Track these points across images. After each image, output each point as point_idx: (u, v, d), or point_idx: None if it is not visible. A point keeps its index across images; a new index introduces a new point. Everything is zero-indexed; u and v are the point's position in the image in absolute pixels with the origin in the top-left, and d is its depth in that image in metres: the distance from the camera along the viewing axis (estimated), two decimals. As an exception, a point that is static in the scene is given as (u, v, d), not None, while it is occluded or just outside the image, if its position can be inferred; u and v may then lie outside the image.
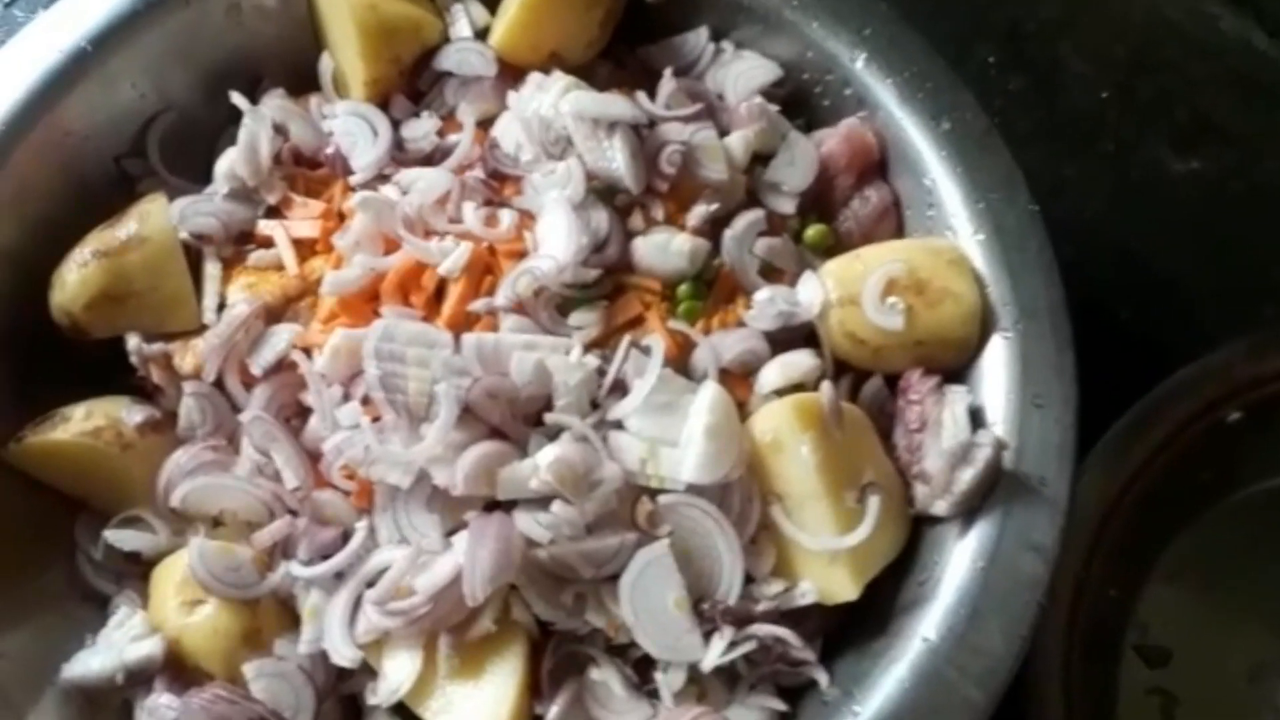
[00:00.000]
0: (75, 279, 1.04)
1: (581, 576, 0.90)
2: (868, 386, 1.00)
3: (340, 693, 0.97)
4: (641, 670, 0.94)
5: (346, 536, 0.96)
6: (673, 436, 0.92)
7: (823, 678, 0.93)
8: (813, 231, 1.07)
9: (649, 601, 0.89)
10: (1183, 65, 1.43)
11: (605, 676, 0.92)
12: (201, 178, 1.13)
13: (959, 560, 0.91)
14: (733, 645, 0.91)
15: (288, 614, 0.97)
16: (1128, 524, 1.04)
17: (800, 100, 1.13)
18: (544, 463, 0.88)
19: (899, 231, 1.08)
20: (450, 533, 0.93)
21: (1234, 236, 1.35)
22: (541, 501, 0.91)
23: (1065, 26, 1.44)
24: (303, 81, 1.16)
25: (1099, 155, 1.39)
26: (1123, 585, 1.07)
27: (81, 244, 1.05)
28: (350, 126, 1.09)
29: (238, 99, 1.10)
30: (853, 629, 0.94)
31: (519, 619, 0.92)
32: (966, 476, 0.90)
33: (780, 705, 0.94)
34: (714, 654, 0.90)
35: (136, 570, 1.03)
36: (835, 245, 1.07)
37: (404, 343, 0.95)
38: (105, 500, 1.03)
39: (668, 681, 0.92)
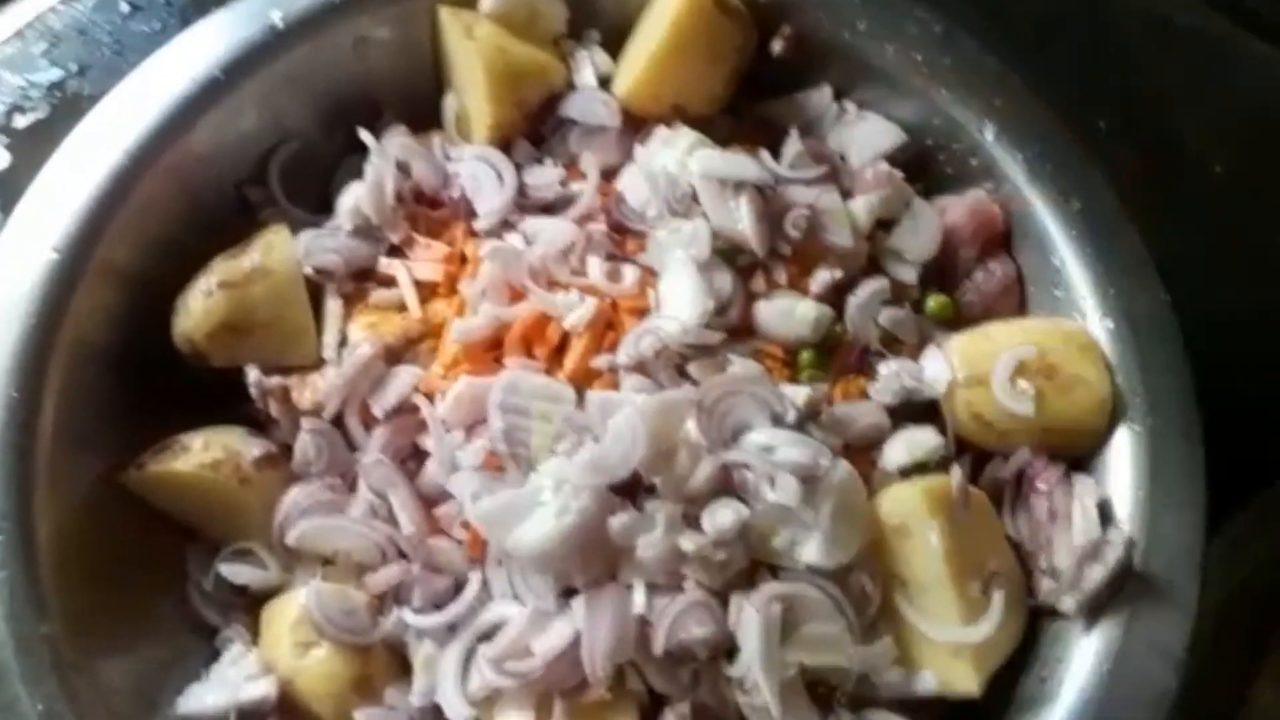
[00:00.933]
0: (200, 307, 1.04)
1: (699, 656, 0.90)
2: (990, 469, 0.99)
3: (447, 745, 0.97)
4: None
5: (459, 586, 0.97)
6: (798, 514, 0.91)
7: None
8: (935, 302, 1.06)
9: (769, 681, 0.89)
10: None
11: (718, 752, 0.91)
12: (317, 207, 1.14)
13: (1082, 660, 0.90)
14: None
15: (398, 662, 0.98)
16: (1242, 621, 1.03)
17: (922, 165, 1.12)
18: (693, 546, 0.88)
19: (1021, 308, 1.08)
20: (564, 593, 0.93)
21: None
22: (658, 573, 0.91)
23: (1182, 97, 1.42)
24: (419, 117, 1.17)
25: (1214, 231, 1.36)
26: (1233, 681, 1.06)
27: (207, 272, 1.06)
28: (476, 171, 1.09)
29: (365, 136, 1.10)
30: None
31: (633, 688, 0.92)
32: (1097, 574, 0.90)
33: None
34: None
35: (243, 603, 1.04)
36: (956, 318, 1.06)
37: (528, 396, 0.96)
38: (218, 531, 1.04)
39: (783, 761, 0.91)
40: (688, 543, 0.89)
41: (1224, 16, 1.44)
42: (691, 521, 0.92)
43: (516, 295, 1.03)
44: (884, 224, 1.08)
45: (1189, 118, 1.42)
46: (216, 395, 1.08)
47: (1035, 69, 1.38)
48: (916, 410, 1.01)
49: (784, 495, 0.89)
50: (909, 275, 1.07)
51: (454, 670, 0.94)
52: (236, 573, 1.02)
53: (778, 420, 0.95)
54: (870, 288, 1.03)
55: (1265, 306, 1.32)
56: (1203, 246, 1.35)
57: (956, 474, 0.93)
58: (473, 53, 1.10)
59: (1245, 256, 1.35)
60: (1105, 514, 0.94)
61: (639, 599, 0.90)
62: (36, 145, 1.32)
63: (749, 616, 0.89)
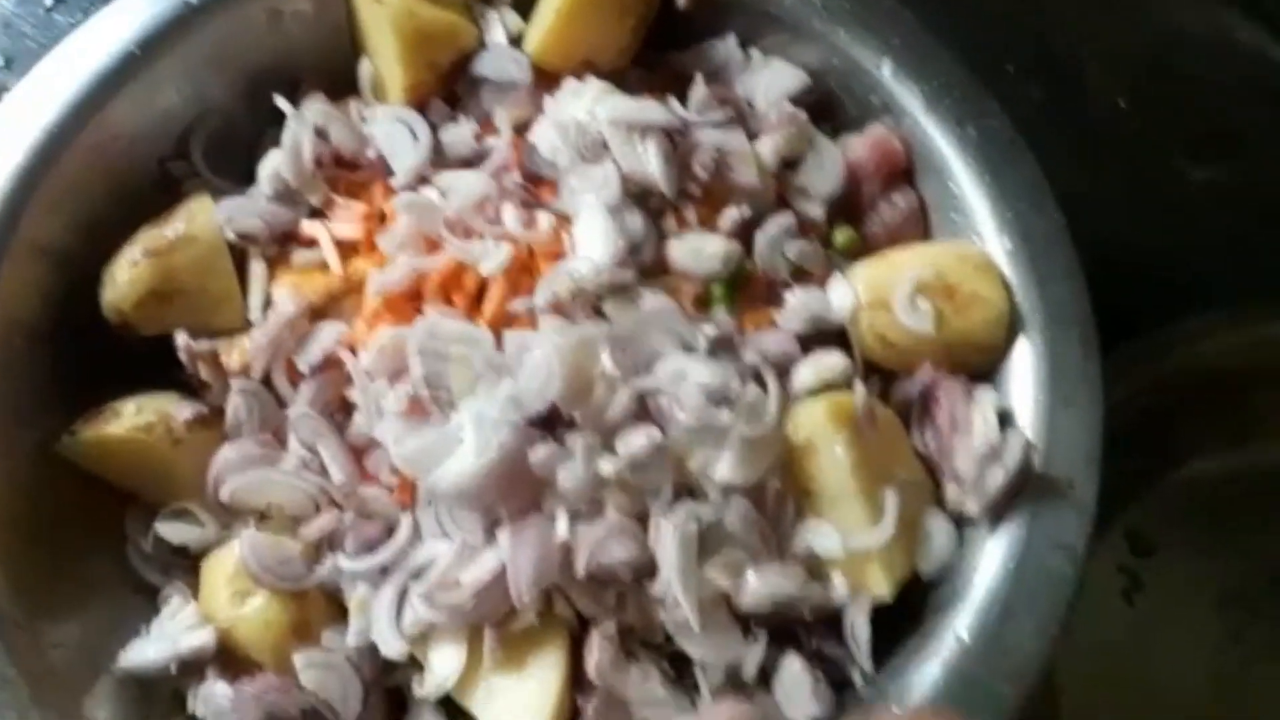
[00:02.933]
0: (126, 278, 1.06)
1: (622, 579, 0.93)
2: (897, 388, 1.03)
3: (385, 684, 0.99)
4: (678, 666, 0.97)
5: (391, 530, 0.99)
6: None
7: (858, 676, 0.95)
8: (841, 236, 1.09)
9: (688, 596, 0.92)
10: (1200, 74, 1.45)
11: (644, 672, 0.94)
12: (241, 179, 1.15)
13: (990, 560, 0.94)
14: (773, 645, 0.94)
15: (335, 606, 1.00)
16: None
17: (827, 107, 1.16)
18: (611, 470, 0.91)
19: (925, 236, 1.11)
20: (490, 526, 0.96)
21: (1253, 244, 1.37)
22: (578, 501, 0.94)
23: (1086, 35, 1.46)
24: (340, 86, 1.19)
25: (1118, 164, 1.41)
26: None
27: (131, 243, 1.08)
28: (391, 131, 1.11)
29: (281, 103, 1.13)
30: (887, 630, 0.97)
31: (561, 613, 0.95)
32: (997, 476, 0.93)
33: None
34: (754, 657, 0.93)
35: (184, 563, 1.06)
36: (862, 249, 1.10)
37: (447, 340, 0.98)
38: (155, 493, 1.06)
39: (706, 678, 0.95)
40: (605, 466, 0.92)
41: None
42: (610, 451, 0.95)
43: (433, 247, 1.05)
44: (790, 163, 1.11)
45: (1094, 55, 1.47)
46: (149, 364, 1.10)
47: (946, 14, 1.43)
48: (826, 338, 1.04)
49: (694, 416, 0.93)
50: (816, 211, 1.10)
51: (388, 609, 0.96)
52: (174, 532, 1.04)
53: (690, 350, 0.98)
54: (777, 223, 1.06)
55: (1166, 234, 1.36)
56: (1109, 176, 1.40)
57: (859, 389, 0.96)
58: (382, 18, 1.12)
59: (1145, 183, 1.39)
60: (1006, 421, 0.98)
61: (561, 526, 0.93)
62: (-35, 137, 1.34)
63: (666, 533, 0.92)
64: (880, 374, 1.05)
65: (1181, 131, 1.43)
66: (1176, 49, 1.47)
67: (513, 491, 0.94)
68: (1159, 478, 1.23)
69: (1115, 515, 1.22)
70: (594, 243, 1.02)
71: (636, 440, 0.93)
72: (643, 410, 0.96)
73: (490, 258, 1.02)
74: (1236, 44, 1.47)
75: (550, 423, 0.96)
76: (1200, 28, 1.48)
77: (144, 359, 1.10)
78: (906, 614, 0.97)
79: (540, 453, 0.93)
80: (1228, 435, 1.24)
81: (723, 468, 0.93)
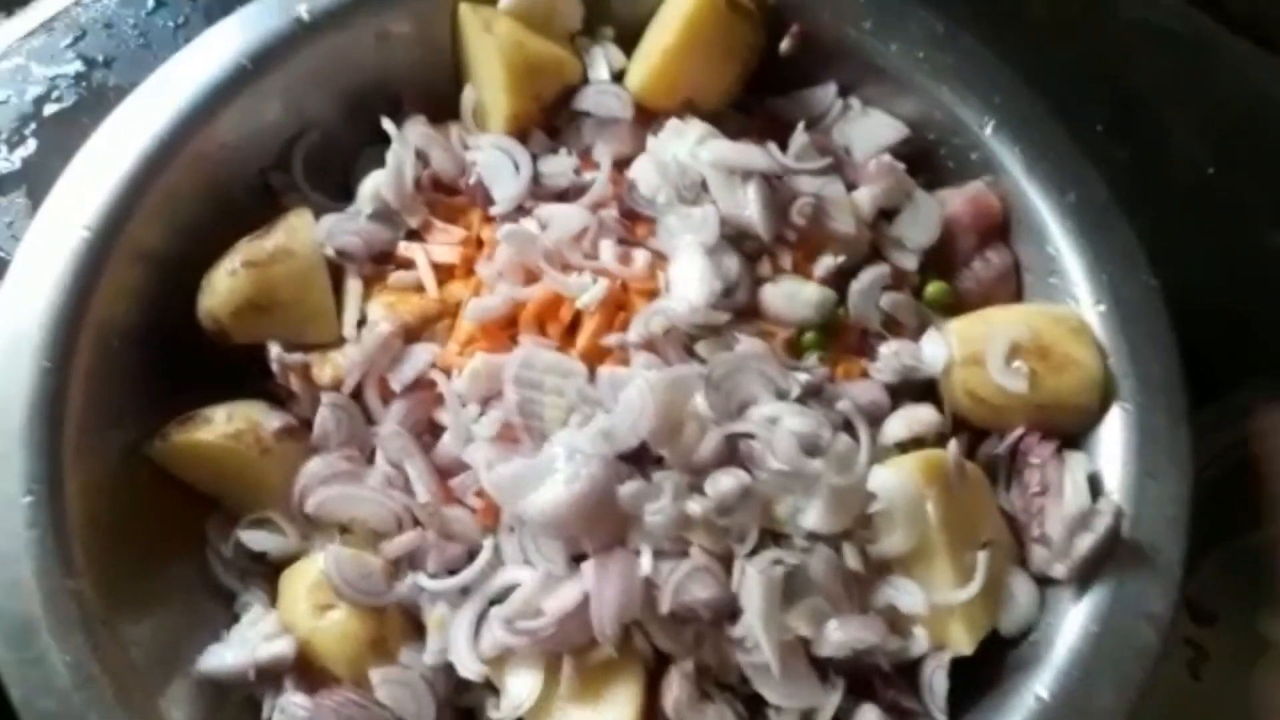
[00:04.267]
0: (225, 286, 1.08)
1: (701, 618, 0.93)
2: (985, 445, 1.03)
3: (458, 705, 1.00)
4: (752, 709, 0.97)
5: (472, 554, 1.00)
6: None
7: (936, 728, 0.96)
8: (934, 288, 1.10)
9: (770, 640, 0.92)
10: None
11: (720, 713, 0.95)
12: (338, 194, 1.18)
13: (1073, 623, 0.94)
14: (849, 693, 0.94)
15: (412, 624, 1.01)
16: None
17: (924, 159, 1.17)
18: (698, 510, 0.92)
19: (1018, 295, 1.11)
20: (574, 558, 0.97)
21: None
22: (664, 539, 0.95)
23: (1174, 98, 1.47)
24: (437, 109, 1.21)
25: (1203, 226, 1.41)
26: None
27: (232, 253, 1.10)
28: (493, 159, 1.13)
29: (388, 125, 1.14)
30: (966, 685, 0.97)
31: (639, 648, 0.95)
32: (1086, 542, 0.94)
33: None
34: (830, 705, 0.94)
35: (262, 570, 1.08)
36: (955, 304, 1.10)
37: (542, 370, 1.00)
38: (239, 500, 1.08)
39: (781, 720, 0.95)
40: (693, 506, 0.93)
41: (1206, 16, 1.49)
42: (698, 491, 0.95)
43: (531, 277, 1.06)
44: (887, 214, 1.12)
45: (1181, 118, 1.47)
46: (240, 373, 1.12)
47: (1034, 72, 1.44)
48: (916, 390, 1.05)
49: (787, 462, 0.93)
50: (909, 262, 1.11)
51: (466, 630, 0.97)
52: (256, 540, 1.06)
53: (783, 396, 0.98)
54: (872, 273, 1.07)
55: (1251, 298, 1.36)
56: (1187, 239, 1.40)
57: (952, 446, 0.97)
58: (491, 47, 1.14)
59: (1232, 247, 1.39)
60: (1095, 486, 0.98)
61: (646, 562, 0.93)
62: (62, 134, 1.37)
63: (751, 578, 0.92)
64: (969, 430, 1.05)
65: (1267, 197, 1.43)
66: (1265, 114, 1.47)
67: (599, 524, 0.95)
68: (1216, 546, 1.22)
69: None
70: (690, 283, 1.03)
71: (725, 482, 0.94)
72: (731, 453, 0.97)
73: (588, 292, 1.03)
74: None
75: (640, 459, 0.97)
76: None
77: (228, 367, 1.12)
78: (983, 672, 0.97)
79: (629, 488, 0.94)
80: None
81: (810, 516, 0.94)
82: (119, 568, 1.03)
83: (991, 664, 0.97)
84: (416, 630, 1.01)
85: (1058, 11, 1.52)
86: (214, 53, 1.14)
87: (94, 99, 1.41)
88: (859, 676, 0.97)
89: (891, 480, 0.95)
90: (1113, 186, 1.37)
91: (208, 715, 1.01)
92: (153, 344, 1.12)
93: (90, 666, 0.94)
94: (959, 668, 0.96)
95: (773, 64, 1.19)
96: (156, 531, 1.08)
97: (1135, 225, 1.33)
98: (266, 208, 1.17)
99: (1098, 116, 1.46)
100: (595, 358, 1.03)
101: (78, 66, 1.45)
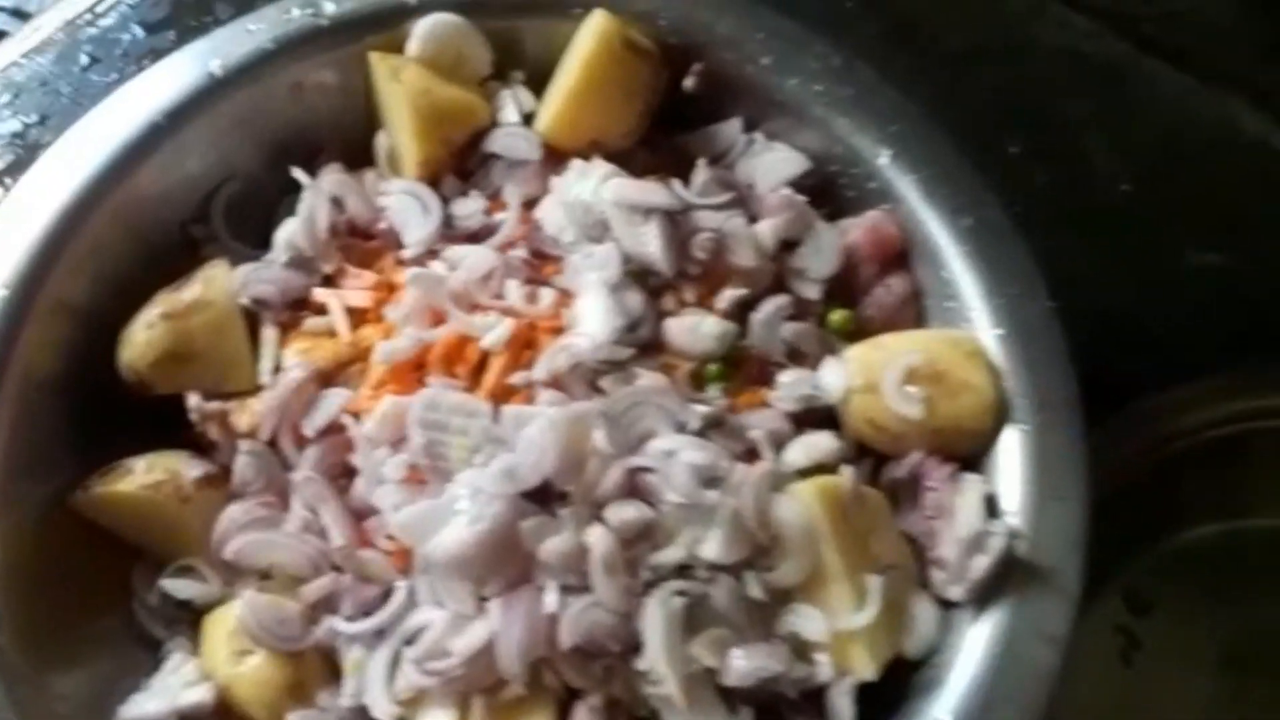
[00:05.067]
0: (143, 339, 1.10)
1: (610, 651, 0.95)
2: (887, 470, 1.05)
3: (376, 746, 1.01)
4: (663, 739, 0.98)
5: (388, 594, 1.02)
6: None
7: (840, 754, 0.97)
8: (837, 316, 1.12)
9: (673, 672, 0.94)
10: (1205, 162, 1.48)
11: (630, 743, 0.96)
12: (261, 243, 1.19)
13: (973, 646, 0.95)
14: (757, 720, 0.96)
15: (330, 667, 1.02)
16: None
17: (827, 191, 1.19)
18: (598, 543, 0.94)
19: (919, 320, 1.13)
20: (484, 598, 0.98)
21: (1252, 328, 1.38)
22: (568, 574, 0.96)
23: (1091, 121, 1.49)
24: (358, 155, 1.23)
25: (1121, 246, 1.43)
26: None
27: (149, 305, 1.12)
28: (403, 203, 1.15)
29: (298, 174, 1.17)
30: (874, 711, 0.98)
31: (549, 685, 0.96)
32: (980, 564, 0.95)
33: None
34: None
35: (188, 617, 1.09)
36: (858, 331, 1.12)
37: (447, 411, 1.01)
38: (162, 549, 1.09)
39: (691, 753, 0.96)
40: (593, 539, 0.94)
41: (1123, 40, 1.52)
42: (602, 525, 0.97)
43: (439, 319, 1.08)
44: (789, 245, 1.14)
45: (1100, 141, 1.49)
46: (164, 422, 1.13)
47: (952, 99, 1.47)
48: (820, 418, 1.06)
49: (683, 494, 0.95)
50: (812, 292, 1.13)
51: (381, 672, 0.98)
52: (179, 588, 1.07)
53: (682, 429, 1.00)
54: (773, 304, 1.09)
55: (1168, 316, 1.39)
56: (1115, 259, 1.42)
57: (847, 472, 0.98)
58: (399, 95, 1.17)
59: (1149, 266, 1.41)
60: (992, 508, 0.99)
61: (550, 599, 0.95)
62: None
63: (652, 610, 0.94)
64: (873, 456, 1.06)
65: (1185, 217, 1.45)
66: (1183, 136, 1.50)
67: (504, 563, 0.96)
68: (1156, 539, 1.25)
69: (1113, 575, 1.24)
70: (593, 320, 1.05)
71: (626, 515, 0.96)
72: (635, 487, 0.98)
73: (493, 332, 1.05)
74: (1242, 133, 1.49)
75: (545, 496, 0.99)
76: (1207, 116, 1.51)
77: (158, 416, 1.13)
78: (889, 696, 0.98)
79: (531, 525, 0.96)
80: (1222, 499, 1.25)
81: (710, 546, 0.95)
82: (44, 621, 1.04)
83: (898, 688, 0.98)
84: (334, 673, 1.02)
85: (974, 38, 1.55)
86: (129, 109, 1.17)
87: (31, 157, 1.43)
88: (766, 705, 0.98)
89: (788, 508, 0.96)
90: (1030, 209, 1.39)
91: (132, 764, 1.02)
92: (76, 396, 1.14)
93: (9, 720, 0.95)
94: (866, 693, 0.97)
95: (679, 101, 1.22)
96: (82, 582, 1.09)
97: (1053, 247, 1.36)
98: (189, 259, 1.19)
99: (1015, 140, 1.49)
100: (503, 397, 1.04)
101: (14, 125, 1.48)
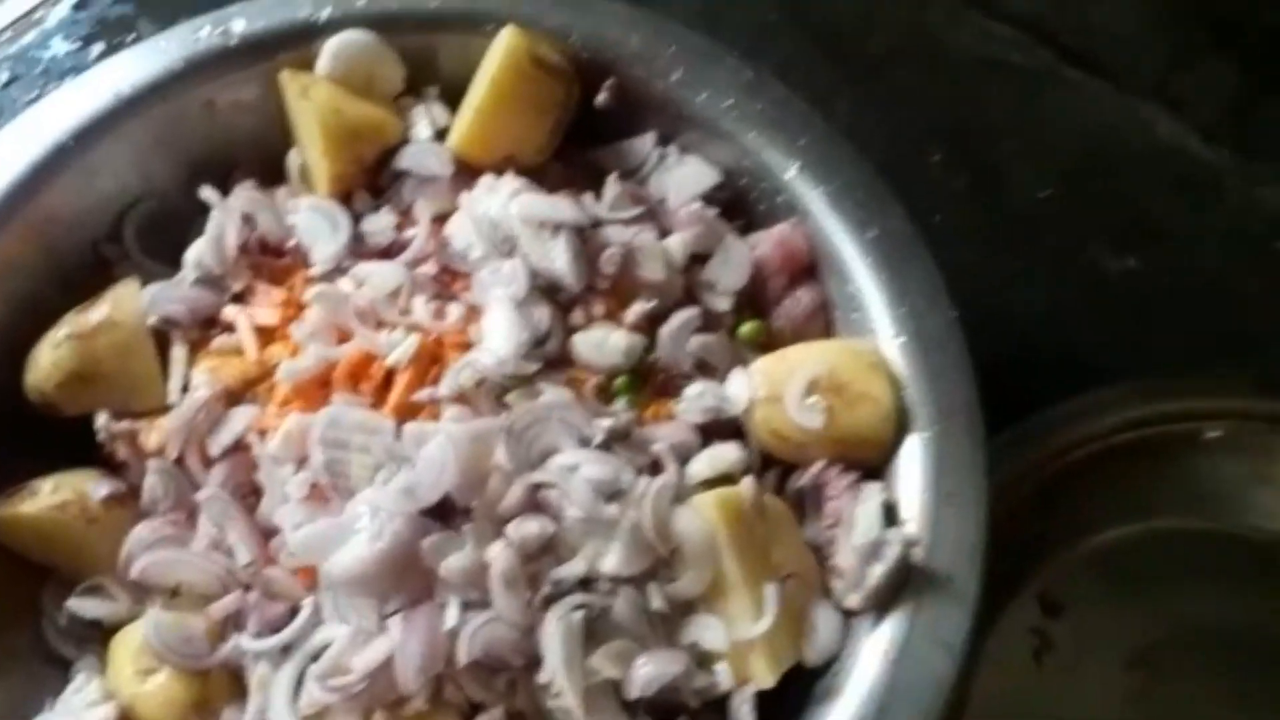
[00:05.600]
0: (48, 360, 1.10)
1: (512, 666, 0.95)
2: (792, 479, 1.05)
3: (282, 763, 1.01)
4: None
5: (294, 611, 1.02)
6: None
7: (740, 765, 0.98)
8: (747, 328, 1.13)
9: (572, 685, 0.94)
10: (1122, 167, 1.50)
11: (533, 758, 0.96)
12: (177, 262, 1.19)
13: (869, 654, 0.96)
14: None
15: (236, 684, 1.02)
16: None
17: (739, 204, 1.19)
18: (498, 558, 0.95)
19: (828, 331, 1.14)
20: (388, 615, 0.98)
21: (1167, 333, 1.40)
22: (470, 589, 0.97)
23: (1010, 128, 1.51)
24: (274, 172, 1.23)
25: (1039, 253, 1.45)
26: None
27: (56, 326, 1.12)
28: (312, 221, 1.15)
29: (207, 193, 1.17)
30: (773, 717, 0.98)
31: (451, 699, 0.97)
32: (877, 572, 0.96)
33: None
34: None
35: (98, 636, 1.08)
36: (769, 342, 1.13)
37: (348, 429, 1.01)
38: (70, 569, 1.09)
39: (596, 767, 0.97)
40: (494, 554, 0.95)
41: (1042, 47, 1.54)
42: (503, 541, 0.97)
43: (344, 336, 1.09)
44: (700, 259, 1.15)
45: (1019, 148, 1.51)
46: (78, 444, 1.13)
47: (873, 105, 1.48)
48: (728, 430, 1.07)
49: (583, 509, 0.95)
50: (723, 304, 1.13)
51: (285, 689, 0.98)
52: (88, 607, 1.07)
53: (586, 443, 1.01)
54: (681, 317, 1.10)
55: (1085, 321, 1.41)
56: (1032, 265, 1.44)
57: (747, 483, 0.99)
58: (309, 113, 1.17)
59: (1066, 272, 1.43)
60: (892, 516, 1.00)
61: (451, 615, 0.95)
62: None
63: (550, 624, 0.94)
64: (779, 465, 1.07)
65: (1102, 223, 1.47)
66: (1100, 143, 1.52)
67: (406, 580, 0.97)
68: (1068, 542, 1.26)
69: (1027, 578, 1.24)
70: (499, 335, 1.05)
71: (527, 529, 0.96)
72: (536, 503, 0.99)
73: (398, 349, 1.05)
74: (1158, 139, 1.52)
75: (447, 513, 0.99)
76: (1124, 123, 1.53)
77: (71, 435, 1.13)
78: (792, 704, 0.99)
79: (431, 541, 0.96)
80: (1129, 502, 1.27)
81: (611, 560, 0.96)
82: (-51, 644, 1.04)
83: (799, 696, 0.99)
84: (241, 691, 1.02)
85: (896, 44, 1.57)
86: (38, 128, 1.16)
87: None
88: (668, 716, 0.98)
89: (687, 519, 0.97)
90: (949, 217, 1.42)
91: (37, 787, 1.01)
92: (-15, 419, 1.13)
93: (-92, 743, 0.95)
94: (767, 701, 0.98)
95: (592, 117, 1.22)
96: (-9, 604, 1.09)
97: (971, 254, 1.38)
98: (102, 278, 1.18)
99: (935, 149, 1.50)
100: (408, 414, 1.04)
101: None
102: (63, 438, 1.13)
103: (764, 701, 0.98)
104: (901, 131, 1.50)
